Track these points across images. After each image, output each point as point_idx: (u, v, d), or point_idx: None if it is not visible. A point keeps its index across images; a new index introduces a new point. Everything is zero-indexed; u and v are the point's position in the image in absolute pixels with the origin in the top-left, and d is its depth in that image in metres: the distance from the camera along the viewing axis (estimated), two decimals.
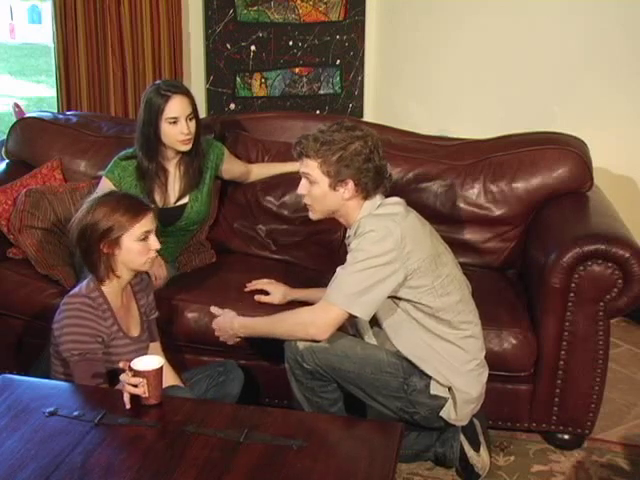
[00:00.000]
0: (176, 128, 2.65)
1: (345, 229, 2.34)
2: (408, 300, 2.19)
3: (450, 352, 2.23)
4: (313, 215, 2.28)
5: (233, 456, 1.73)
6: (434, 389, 2.24)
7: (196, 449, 1.75)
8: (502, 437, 2.62)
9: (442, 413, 2.26)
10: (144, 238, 2.12)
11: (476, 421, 2.38)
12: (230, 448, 1.75)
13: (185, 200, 2.81)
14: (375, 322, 2.28)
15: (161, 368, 1.91)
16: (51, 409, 1.88)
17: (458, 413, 2.26)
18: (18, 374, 2.14)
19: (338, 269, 2.17)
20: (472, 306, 2.31)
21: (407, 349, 2.23)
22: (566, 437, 2.57)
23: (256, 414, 1.94)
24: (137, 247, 2.12)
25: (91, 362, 2.08)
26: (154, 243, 2.15)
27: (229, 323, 2.35)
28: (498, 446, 2.58)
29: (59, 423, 1.84)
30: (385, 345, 2.29)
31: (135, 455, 1.74)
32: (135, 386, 1.88)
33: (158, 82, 2.75)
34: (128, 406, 1.88)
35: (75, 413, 1.87)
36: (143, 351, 2.25)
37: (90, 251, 2.12)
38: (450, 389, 2.24)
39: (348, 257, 2.16)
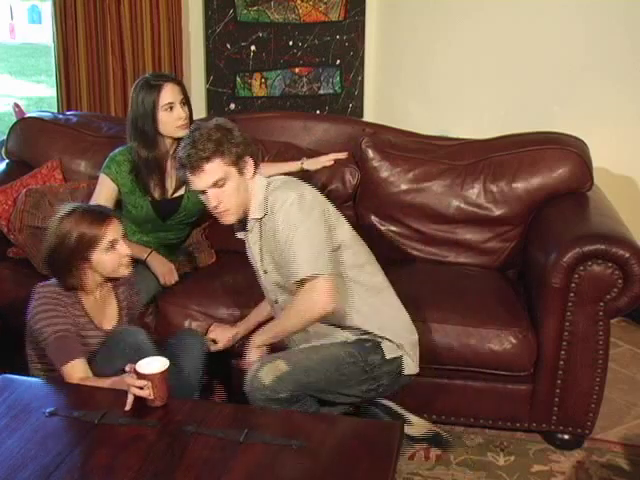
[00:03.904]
0: (173, 114, 2.68)
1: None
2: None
3: (382, 299, 2.30)
4: (229, 218, 2.22)
5: (233, 456, 1.72)
6: (388, 353, 2.25)
7: (196, 449, 1.75)
8: (502, 437, 2.62)
9: (405, 371, 2.29)
10: (111, 247, 2.13)
11: (388, 402, 2.43)
12: (230, 448, 1.75)
13: (181, 192, 2.82)
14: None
15: (166, 370, 1.92)
16: (51, 409, 1.88)
17: (414, 360, 2.30)
18: (18, 374, 2.14)
19: (285, 248, 2.13)
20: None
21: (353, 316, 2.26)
22: (566, 437, 2.57)
23: (256, 414, 1.94)
24: (107, 258, 2.14)
25: (65, 339, 2.10)
26: (123, 249, 2.16)
27: (254, 349, 2.27)
28: (498, 446, 2.58)
29: (59, 423, 1.85)
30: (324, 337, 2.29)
31: (135, 455, 1.74)
32: (141, 388, 1.88)
33: (145, 76, 2.77)
34: (128, 408, 1.88)
35: (75, 413, 1.87)
36: None
37: (62, 270, 2.15)
38: (399, 346, 2.27)
39: (283, 233, 2.12)
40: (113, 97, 3.89)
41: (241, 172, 2.18)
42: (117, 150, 2.80)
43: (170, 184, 2.80)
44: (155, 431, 1.83)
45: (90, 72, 3.84)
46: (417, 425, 2.47)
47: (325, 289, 2.11)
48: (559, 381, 2.49)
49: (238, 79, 4.16)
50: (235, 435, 1.79)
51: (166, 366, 1.92)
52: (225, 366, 2.54)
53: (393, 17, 4.23)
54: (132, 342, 2.15)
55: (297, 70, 4.26)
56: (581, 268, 2.39)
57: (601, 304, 2.41)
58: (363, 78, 4.41)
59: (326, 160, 2.94)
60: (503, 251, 2.93)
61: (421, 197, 2.94)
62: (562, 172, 2.85)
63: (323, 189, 2.85)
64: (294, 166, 2.88)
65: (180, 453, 1.74)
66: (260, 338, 2.27)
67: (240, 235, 2.32)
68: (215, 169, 2.14)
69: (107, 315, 2.27)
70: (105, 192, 2.73)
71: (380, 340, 2.26)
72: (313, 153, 3.01)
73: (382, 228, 2.98)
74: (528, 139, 2.98)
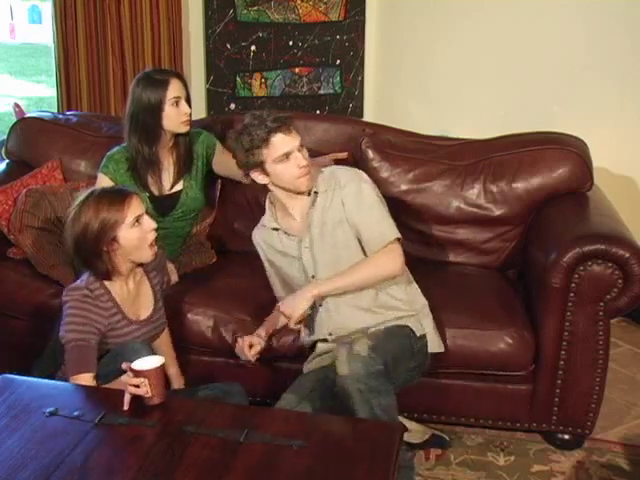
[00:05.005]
0: (179, 110, 2.68)
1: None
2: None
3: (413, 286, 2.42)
4: (311, 181, 2.34)
5: (233, 456, 1.72)
6: (417, 330, 2.32)
7: (196, 449, 1.75)
8: (502, 437, 2.62)
9: (431, 349, 2.35)
10: (137, 223, 2.13)
11: None
12: (230, 448, 1.75)
13: (179, 187, 2.82)
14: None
15: (162, 367, 1.91)
16: (51, 409, 1.88)
17: (438, 338, 2.39)
18: (18, 374, 2.14)
19: (362, 215, 2.28)
20: None
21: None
22: (566, 437, 2.57)
23: (256, 414, 1.94)
24: (134, 234, 2.13)
25: (82, 349, 2.10)
26: (148, 224, 2.16)
27: (304, 295, 2.27)
28: (498, 446, 2.58)
29: (59, 423, 1.84)
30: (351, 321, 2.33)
31: (135, 455, 1.74)
32: (137, 386, 1.88)
33: (145, 71, 2.77)
34: (126, 407, 1.88)
35: (75, 413, 1.87)
36: (155, 332, 2.30)
37: (91, 256, 2.14)
38: (422, 325, 2.35)
39: (357, 201, 2.29)
40: (113, 97, 3.89)
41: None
42: (114, 149, 2.80)
43: (167, 179, 2.80)
44: (155, 431, 1.82)
45: (90, 72, 3.84)
46: (416, 432, 2.52)
47: (402, 255, 2.29)
48: (559, 381, 2.49)
49: (238, 79, 4.16)
50: (235, 435, 1.78)
51: (161, 362, 1.92)
52: None
53: (393, 17, 4.23)
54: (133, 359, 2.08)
55: (297, 70, 4.26)
56: (581, 268, 2.39)
57: (601, 304, 2.41)
58: (363, 78, 4.41)
59: (326, 160, 2.94)
60: (503, 251, 2.93)
61: (421, 197, 2.94)
62: (562, 172, 2.84)
63: None
64: None
65: (180, 453, 1.73)
66: (320, 287, 2.28)
67: (270, 224, 2.42)
68: (297, 134, 2.31)
69: (143, 303, 2.29)
70: None
71: (408, 317, 2.32)
72: (313, 153, 3.01)
73: None
74: (528, 139, 2.98)
